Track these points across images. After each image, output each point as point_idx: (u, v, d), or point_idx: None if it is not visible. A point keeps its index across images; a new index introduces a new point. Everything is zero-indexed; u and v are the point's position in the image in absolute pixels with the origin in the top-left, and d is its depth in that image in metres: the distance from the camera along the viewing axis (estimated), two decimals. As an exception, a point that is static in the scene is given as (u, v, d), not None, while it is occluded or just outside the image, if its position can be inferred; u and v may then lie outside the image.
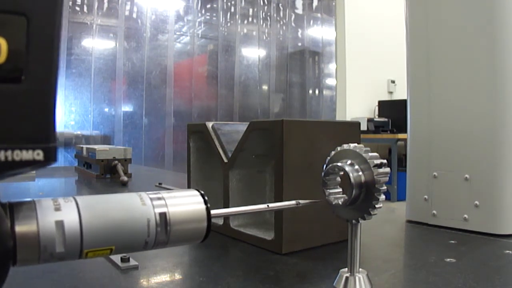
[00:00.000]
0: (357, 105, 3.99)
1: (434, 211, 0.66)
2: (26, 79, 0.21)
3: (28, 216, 0.24)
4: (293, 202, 0.36)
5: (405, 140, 3.49)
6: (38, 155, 0.22)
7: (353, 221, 0.36)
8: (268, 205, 0.36)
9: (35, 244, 0.24)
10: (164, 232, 0.28)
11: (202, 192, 0.32)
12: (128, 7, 2.94)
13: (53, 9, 0.22)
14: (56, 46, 0.22)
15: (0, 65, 0.20)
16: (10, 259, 0.23)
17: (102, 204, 0.27)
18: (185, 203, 0.30)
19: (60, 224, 0.25)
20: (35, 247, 0.24)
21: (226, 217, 0.59)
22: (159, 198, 0.29)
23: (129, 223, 0.27)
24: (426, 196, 0.67)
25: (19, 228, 0.24)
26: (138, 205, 0.28)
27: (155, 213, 0.28)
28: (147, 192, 0.30)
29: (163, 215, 0.28)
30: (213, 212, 0.31)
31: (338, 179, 0.37)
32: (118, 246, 0.27)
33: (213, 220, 0.67)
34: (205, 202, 0.31)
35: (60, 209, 0.25)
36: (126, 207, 0.28)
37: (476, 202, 0.61)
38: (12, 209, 0.24)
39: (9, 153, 0.21)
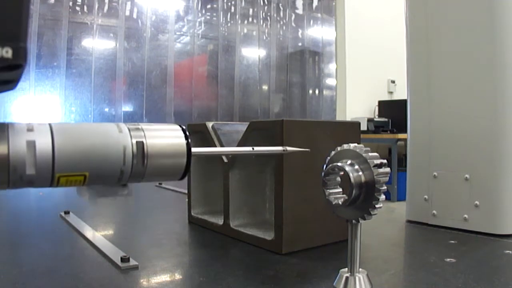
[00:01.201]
0: (357, 105, 3.98)
1: (434, 211, 0.66)
2: None
3: None
4: (280, 148, 0.35)
5: (405, 140, 3.47)
6: (7, 52, 0.20)
7: (353, 221, 0.36)
8: (253, 148, 0.34)
9: (4, 165, 0.23)
10: (141, 163, 0.27)
11: (184, 127, 0.30)
12: (128, 7, 2.94)
13: None
14: None
15: None
16: None
17: (77, 129, 0.26)
18: (165, 136, 0.29)
19: (31, 144, 0.23)
20: (4, 169, 0.23)
21: (226, 215, 0.59)
22: (137, 129, 0.28)
23: (104, 148, 0.26)
24: (426, 196, 0.67)
25: None
26: (114, 132, 0.27)
27: (132, 142, 0.27)
28: (125, 123, 0.28)
29: (140, 144, 0.27)
30: (194, 149, 0.30)
31: (338, 179, 0.37)
32: (92, 173, 0.26)
33: (213, 221, 0.67)
34: (186, 137, 0.29)
35: (32, 130, 0.24)
36: (101, 133, 0.26)
37: (476, 202, 0.61)
38: None
39: None
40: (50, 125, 0.25)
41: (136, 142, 0.27)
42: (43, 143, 0.24)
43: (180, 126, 0.30)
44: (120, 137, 0.27)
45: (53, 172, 0.24)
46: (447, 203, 0.65)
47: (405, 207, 0.72)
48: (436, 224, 0.65)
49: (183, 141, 0.29)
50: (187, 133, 0.30)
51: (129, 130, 0.27)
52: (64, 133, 0.25)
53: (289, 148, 0.35)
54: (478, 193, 0.61)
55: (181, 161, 0.29)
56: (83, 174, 0.25)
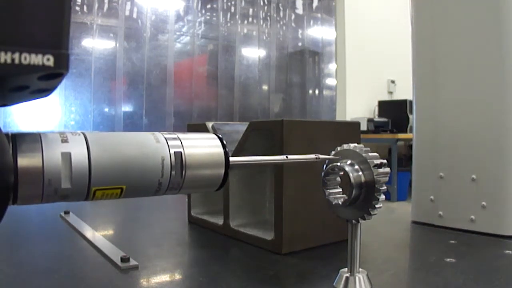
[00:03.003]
0: (357, 105, 3.98)
1: (440, 212, 0.65)
2: None
3: (32, 147, 0.22)
4: (313, 156, 0.34)
5: (405, 140, 3.48)
6: (48, 60, 0.20)
7: (353, 221, 0.36)
8: (287, 156, 0.33)
9: (38, 178, 0.21)
10: (180, 174, 0.26)
11: (221, 136, 0.29)
12: (128, 7, 2.93)
13: None
14: None
15: None
16: (9, 196, 0.21)
17: (113, 139, 0.25)
18: (202, 145, 0.28)
19: (66, 156, 0.22)
20: (38, 182, 0.22)
21: (226, 215, 0.59)
22: (174, 138, 0.27)
23: (142, 160, 0.25)
24: (432, 197, 0.66)
25: (22, 160, 0.21)
26: (152, 143, 0.26)
27: (170, 152, 0.26)
28: (161, 132, 0.27)
29: (178, 155, 0.26)
30: (232, 159, 0.29)
31: (338, 179, 0.37)
32: (130, 185, 0.25)
33: (213, 221, 0.67)
34: (224, 147, 0.28)
35: (67, 141, 0.23)
36: (139, 144, 0.25)
37: (483, 203, 0.60)
38: (15, 141, 0.22)
39: (16, 55, 0.19)
40: (84, 135, 0.24)
41: (174, 152, 0.26)
42: (79, 155, 0.23)
43: (216, 135, 0.29)
44: (158, 147, 0.26)
45: (89, 185, 0.23)
46: (453, 204, 0.64)
47: (408, 207, 0.71)
48: (442, 225, 0.65)
49: (221, 150, 0.28)
50: (225, 142, 0.29)
51: (166, 139, 0.26)
52: (99, 143, 0.24)
53: (321, 156, 0.35)
54: (485, 194, 0.60)
55: (219, 171, 0.28)
56: (120, 187, 0.24)
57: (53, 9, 0.20)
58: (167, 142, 0.26)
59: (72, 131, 0.24)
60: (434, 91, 0.67)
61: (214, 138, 0.29)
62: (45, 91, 0.23)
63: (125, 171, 0.24)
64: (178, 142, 0.27)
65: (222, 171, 0.28)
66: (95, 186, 0.23)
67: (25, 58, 0.19)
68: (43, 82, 0.21)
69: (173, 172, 0.26)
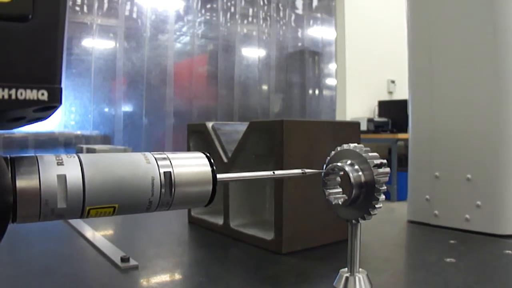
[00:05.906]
0: (357, 105, 3.98)
1: (436, 212, 0.66)
2: (33, 18, 0.20)
3: (30, 170, 0.23)
4: (299, 170, 0.36)
5: (405, 140, 3.48)
6: (43, 95, 0.21)
7: (353, 221, 0.36)
8: (273, 172, 0.35)
9: (36, 199, 0.23)
10: (169, 193, 0.28)
11: (208, 154, 0.31)
12: (128, 7, 2.93)
13: None
14: None
15: (8, 3, 0.20)
16: (9, 215, 0.22)
17: (105, 160, 0.26)
18: (190, 164, 0.29)
19: (62, 178, 0.24)
20: (36, 202, 0.23)
21: (226, 215, 0.59)
22: (164, 158, 0.28)
23: (133, 180, 0.26)
24: (427, 196, 0.67)
25: (20, 182, 0.23)
26: (142, 163, 0.27)
27: (160, 172, 0.27)
28: (152, 152, 0.29)
29: (168, 174, 0.28)
30: (219, 176, 0.30)
31: (338, 179, 0.37)
32: (122, 204, 0.26)
33: (213, 221, 0.67)
34: (211, 165, 0.30)
35: (62, 164, 0.24)
36: (130, 165, 0.27)
37: (478, 202, 0.60)
38: (13, 163, 0.23)
39: (12, 91, 0.20)
40: (79, 157, 0.25)
41: (164, 172, 0.28)
42: (74, 177, 0.24)
43: (204, 154, 0.31)
44: (148, 167, 0.27)
45: (84, 205, 0.25)
46: (448, 204, 0.64)
47: (406, 207, 0.72)
48: (437, 225, 0.65)
49: (208, 169, 0.30)
50: (212, 160, 0.30)
51: (156, 160, 0.28)
52: (93, 165, 0.25)
53: (307, 170, 0.36)
54: (480, 194, 0.60)
55: (207, 188, 0.30)
56: (113, 206, 0.26)
57: (47, 48, 0.21)
58: (157, 163, 0.28)
59: (67, 154, 0.26)
60: (430, 91, 0.67)
61: (202, 157, 0.30)
62: (40, 119, 0.25)
63: (117, 191, 0.26)
64: (168, 162, 0.28)
65: (210, 188, 0.30)
66: (89, 205, 0.25)
67: (21, 94, 0.21)
68: (38, 113, 0.22)
69: (162, 191, 0.27)
